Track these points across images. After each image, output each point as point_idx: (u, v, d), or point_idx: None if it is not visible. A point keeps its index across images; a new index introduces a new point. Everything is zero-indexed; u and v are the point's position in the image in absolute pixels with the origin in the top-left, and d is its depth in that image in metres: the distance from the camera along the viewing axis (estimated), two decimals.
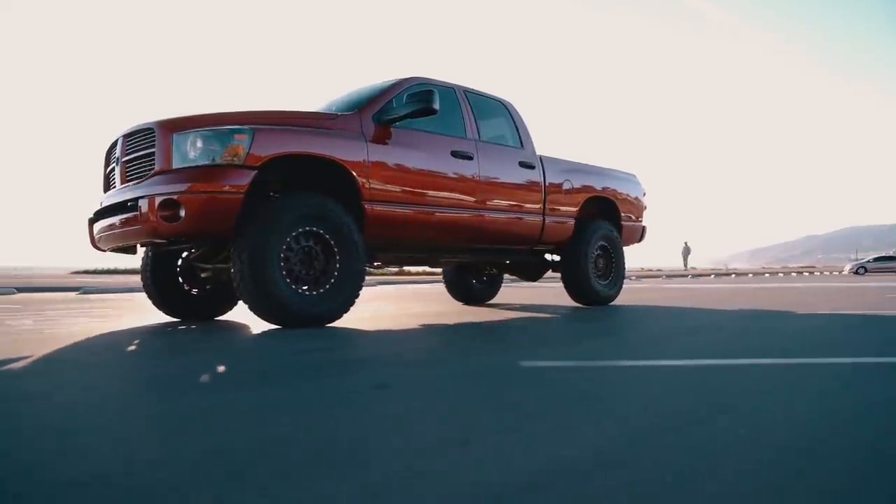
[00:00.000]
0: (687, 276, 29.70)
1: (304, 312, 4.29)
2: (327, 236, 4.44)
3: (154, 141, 4.24)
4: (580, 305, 6.61)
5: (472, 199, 5.46)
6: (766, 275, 32.13)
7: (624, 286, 7.89)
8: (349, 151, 4.62)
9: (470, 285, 7.45)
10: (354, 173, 4.62)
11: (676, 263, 48.11)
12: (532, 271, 6.96)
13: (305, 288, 4.35)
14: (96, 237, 4.69)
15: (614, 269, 6.86)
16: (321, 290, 4.41)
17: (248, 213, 4.17)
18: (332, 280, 4.46)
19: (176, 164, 4.14)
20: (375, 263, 5.82)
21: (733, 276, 31.06)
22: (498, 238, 5.85)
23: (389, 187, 4.85)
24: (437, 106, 4.85)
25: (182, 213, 4.00)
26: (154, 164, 4.21)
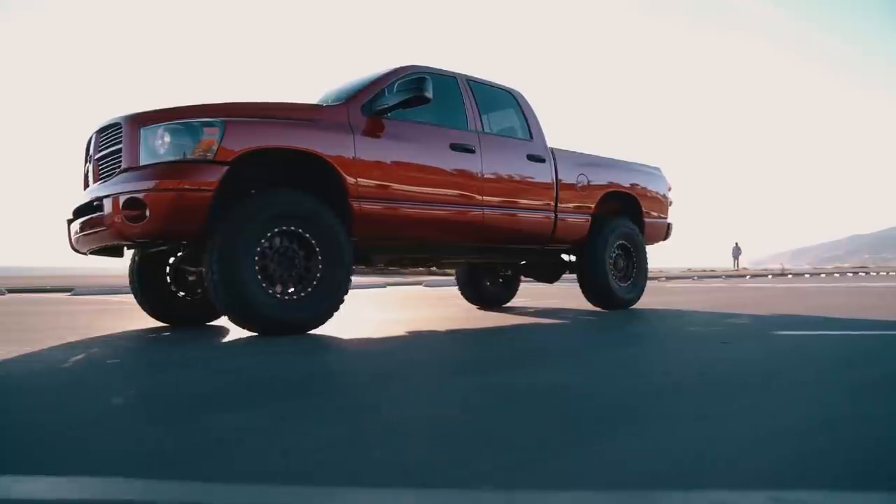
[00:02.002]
0: (745, 276, 29.13)
1: (282, 319, 3.99)
2: (308, 236, 4.13)
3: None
4: (599, 310, 6.16)
5: (474, 195, 5.08)
6: (822, 275, 30.84)
7: (684, 286, 7.38)
8: (333, 145, 4.31)
9: (484, 287, 7.05)
10: (340, 168, 4.31)
11: (724, 264, 47.57)
12: (548, 272, 6.54)
13: (283, 292, 4.05)
14: (73, 239, 4.49)
15: (636, 271, 6.38)
16: (301, 295, 4.11)
17: (221, 212, 3.90)
18: (314, 284, 4.15)
19: (143, 161, 3.90)
20: (379, 265, 5.50)
21: (790, 276, 29.96)
22: (504, 237, 5.46)
23: (380, 183, 4.52)
24: (429, 94, 4.50)
25: (147, 213, 3.76)
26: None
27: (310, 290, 4.13)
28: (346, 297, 4.29)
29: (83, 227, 4.20)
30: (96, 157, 4.28)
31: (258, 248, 3.93)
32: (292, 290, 4.10)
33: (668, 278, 23.83)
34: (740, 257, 40.04)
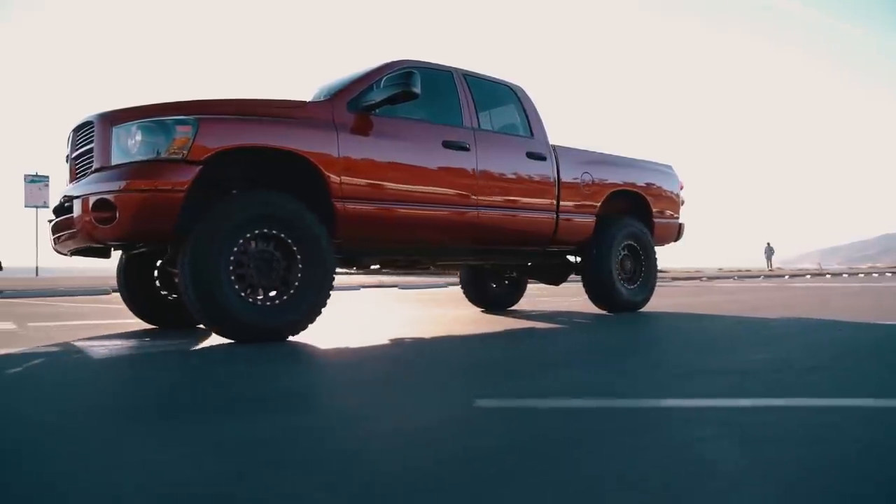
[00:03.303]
0: (783, 276, 28.82)
1: (258, 325, 3.83)
2: (287, 239, 3.97)
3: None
4: (607, 313, 5.90)
5: (468, 194, 4.87)
6: (861, 275, 30.00)
7: (725, 285, 7.10)
8: (315, 143, 4.14)
9: (488, 289, 6.83)
10: (322, 167, 4.14)
11: (754, 264, 48.03)
12: (552, 274, 6.29)
13: (260, 297, 3.89)
14: (52, 239, 4.40)
15: (644, 272, 6.10)
16: (279, 301, 3.94)
17: (197, 213, 3.76)
18: (293, 289, 3.98)
19: (115, 160, 3.79)
20: (369, 267, 5.34)
21: (828, 276, 29.27)
22: (501, 238, 5.23)
23: (366, 183, 4.34)
24: (417, 89, 4.30)
25: (117, 214, 3.63)
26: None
27: (289, 295, 3.97)
28: (327, 302, 4.12)
29: (57, 228, 4.11)
30: (73, 155, 4.18)
31: (233, 252, 3.78)
32: (271, 295, 3.94)
33: (710, 278, 23.73)
34: (773, 257, 40.21)
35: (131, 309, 5.04)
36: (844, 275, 30.87)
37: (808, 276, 27.65)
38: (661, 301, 7.51)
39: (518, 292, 7.05)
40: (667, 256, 44.92)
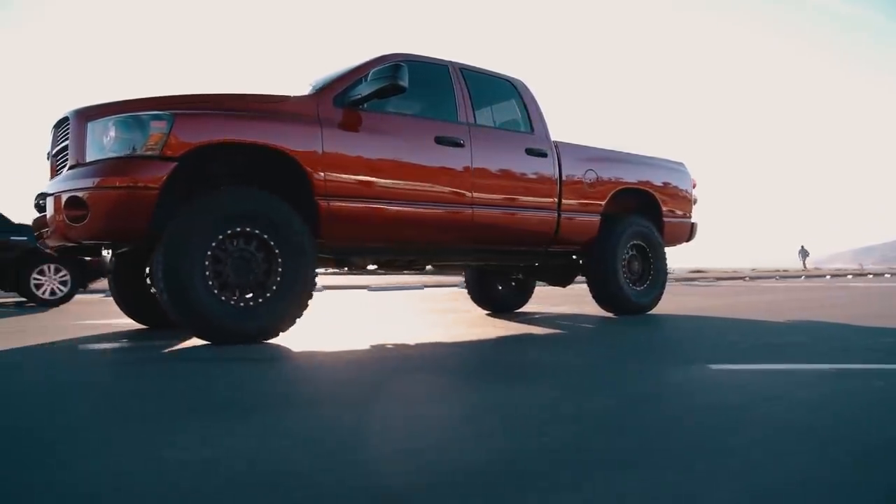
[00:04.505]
0: (825, 275, 28.50)
1: (235, 327, 3.71)
2: (266, 238, 3.84)
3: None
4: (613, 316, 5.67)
5: (461, 191, 4.70)
6: None
7: (775, 284, 6.82)
8: (297, 139, 4.01)
9: (494, 291, 6.63)
10: (304, 164, 4.01)
11: (787, 265, 49.40)
12: (558, 275, 6.06)
13: (238, 298, 3.77)
14: (35, 237, 4.36)
15: (652, 274, 5.84)
16: (258, 301, 3.82)
17: (174, 212, 3.66)
18: (273, 289, 3.85)
19: (90, 157, 3.71)
20: (360, 267, 5.19)
21: (870, 276, 28.60)
22: (498, 238, 5.04)
23: (350, 179, 4.20)
24: (404, 83, 4.14)
25: (89, 212, 3.55)
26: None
27: (268, 295, 3.84)
28: (308, 303, 3.99)
29: (36, 226, 4.06)
30: (52, 152, 4.13)
31: (209, 251, 3.66)
32: (248, 295, 3.82)
33: (752, 278, 23.56)
34: (807, 258, 41.35)
35: (121, 308, 4.99)
36: (886, 274, 30.07)
37: (850, 276, 27.08)
38: (719, 302, 7.21)
39: (525, 294, 6.84)
40: (697, 257, 44.78)
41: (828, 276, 27.48)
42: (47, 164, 4.32)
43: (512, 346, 4.04)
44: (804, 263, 41.79)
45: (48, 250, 4.39)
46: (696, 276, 24.88)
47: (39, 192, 3.94)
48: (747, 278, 23.62)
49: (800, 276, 27.08)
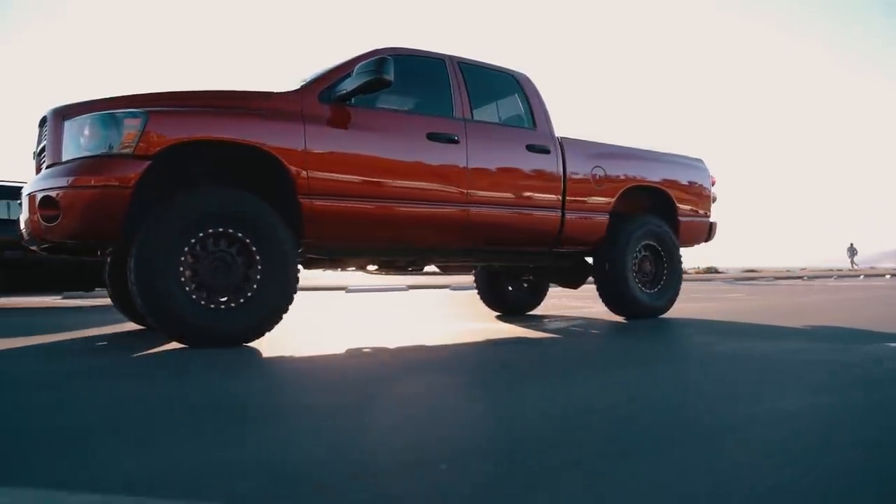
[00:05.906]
0: (884, 276, 27.95)
1: (212, 329, 3.60)
2: (245, 239, 3.73)
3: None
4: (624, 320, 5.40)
5: (456, 189, 4.51)
6: None
7: (838, 284, 6.46)
8: (279, 136, 3.89)
9: (505, 292, 6.41)
10: (286, 162, 3.88)
11: (834, 264, 49.93)
12: (567, 276, 5.81)
13: (214, 300, 3.65)
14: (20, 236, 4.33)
15: (666, 275, 5.53)
16: (237, 304, 3.70)
17: (149, 211, 3.58)
18: (252, 291, 3.73)
19: (66, 156, 3.66)
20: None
21: None
22: (497, 238, 4.83)
23: (335, 178, 4.06)
24: (389, 77, 3.97)
25: (61, 212, 3.49)
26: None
27: (246, 298, 3.72)
28: (289, 307, 3.86)
29: (21, 226, 4.03)
30: (37, 151, 4.10)
31: (184, 252, 3.57)
32: (225, 298, 3.71)
33: (811, 278, 23.09)
34: (855, 257, 41.61)
35: (118, 308, 4.97)
36: None
37: None
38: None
39: (538, 295, 6.60)
40: (746, 256, 44.67)
41: (887, 276, 26.86)
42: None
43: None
44: (852, 262, 41.86)
45: (37, 250, 4.36)
46: (752, 276, 24.22)
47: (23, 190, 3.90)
48: (805, 278, 22.97)
49: (859, 276, 26.57)
